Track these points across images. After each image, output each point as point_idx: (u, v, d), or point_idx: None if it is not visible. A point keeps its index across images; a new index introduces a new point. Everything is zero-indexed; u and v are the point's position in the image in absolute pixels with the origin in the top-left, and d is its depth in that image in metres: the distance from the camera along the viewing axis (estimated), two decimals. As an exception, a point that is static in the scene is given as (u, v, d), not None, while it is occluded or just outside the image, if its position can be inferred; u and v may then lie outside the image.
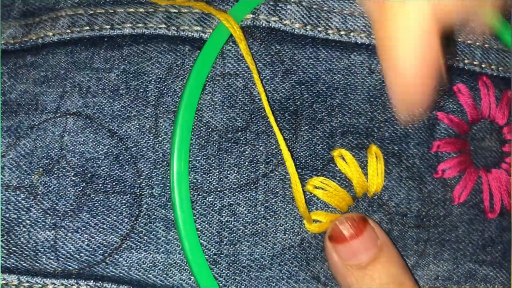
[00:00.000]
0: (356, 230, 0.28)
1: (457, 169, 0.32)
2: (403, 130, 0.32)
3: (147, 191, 0.29)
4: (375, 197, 0.31)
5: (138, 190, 0.29)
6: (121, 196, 0.28)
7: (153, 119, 0.29)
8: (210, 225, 0.29)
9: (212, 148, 0.29)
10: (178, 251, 0.29)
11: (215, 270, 0.29)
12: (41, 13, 0.31)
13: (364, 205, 0.31)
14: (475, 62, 0.33)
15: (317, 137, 0.31)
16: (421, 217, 0.32)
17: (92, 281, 0.28)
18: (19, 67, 0.29)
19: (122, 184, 0.28)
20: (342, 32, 0.31)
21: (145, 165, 0.29)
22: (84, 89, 0.29)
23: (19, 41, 0.30)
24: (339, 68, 0.31)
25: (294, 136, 0.30)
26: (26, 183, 0.28)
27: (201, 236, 0.29)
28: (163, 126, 0.29)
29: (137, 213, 0.28)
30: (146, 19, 0.30)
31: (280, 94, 0.30)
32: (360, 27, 0.31)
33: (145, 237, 0.28)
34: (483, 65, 0.33)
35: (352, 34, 0.31)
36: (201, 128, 0.29)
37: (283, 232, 0.30)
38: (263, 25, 0.30)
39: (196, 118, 0.29)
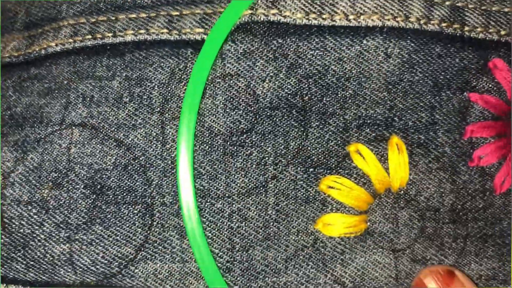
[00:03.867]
0: (442, 285, 0.26)
1: (496, 154, 0.29)
2: (429, 117, 0.29)
3: (159, 200, 0.29)
4: (401, 193, 0.29)
5: (149, 200, 0.29)
6: (133, 206, 0.29)
7: (160, 126, 0.29)
8: (221, 232, 0.28)
9: (217, 153, 0.29)
10: (193, 259, 0.29)
11: (229, 278, 0.28)
12: (44, 23, 0.31)
13: (389, 201, 0.29)
14: None
15: (330, 133, 0.29)
16: (456, 211, 0.29)
17: None
18: (24, 80, 0.30)
19: (133, 194, 0.29)
20: (351, 17, 0.28)
21: (154, 174, 0.29)
22: (88, 98, 0.29)
23: (23, 53, 0.30)
24: (350, 56, 0.29)
25: (304, 134, 0.29)
26: (37, 197, 0.28)
27: (212, 244, 0.28)
28: (170, 133, 0.29)
29: (150, 222, 0.29)
30: (148, 25, 0.30)
31: (286, 90, 0.29)
32: (371, 8, 0.29)
33: (160, 247, 0.28)
34: (525, 34, 0.29)
35: (362, 17, 0.28)
36: (204, 134, 0.29)
37: (295, 234, 0.28)
38: (262, 19, 0.28)
39: (198, 123, 0.29)
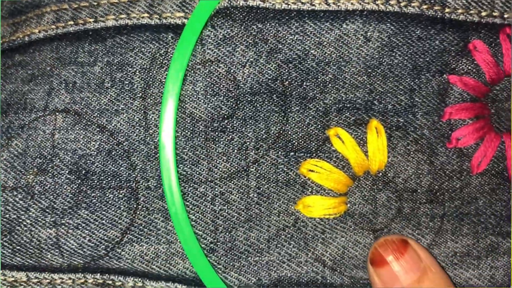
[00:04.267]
0: (397, 253, 0.27)
1: (474, 136, 0.30)
2: (408, 100, 0.29)
3: (143, 184, 0.29)
4: (379, 175, 0.30)
5: (134, 184, 0.29)
6: (118, 191, 0.29)
7: (142, 111, 0.29)
8: (204, 215, 0.29)
9: (198, 139, 0.29)
10: (179, 240, 0.29)
11: (213, 258, 0.29)
12: (28, 10, 0.31)
13: (367, 184, 0.30)
14: (494, 13, 0.29)
15: (310, 117, 0.29)
16: (433, 192, 0.29)
17: (98, 274, 0.29)
18: (8, 67, 0.30)
19: (118, 179, 0.29)
20: (330, 1, 0.28)
21: (138, 159, 0.29)
22: (70, 84, 0.29)
23: (7, 40, 0.31)
24: (330, 40, 0.29)
25: (284, 118, 0.29)
26: (22, 183, 0.29)
27: (196, 226, 0.29)
28: (153, 118, 0.29)
29: (135, 206, 0.29)
30: (129, 9, 0.30)
31: (266, 75, 0.29)
32: (351, -9, 0.28)
33: (145, 229, 0.29)
34: (506, 15, 0.29)
35: (341, 1, 0.28)
36: (186, 120, 0.29)
37: (277, 214, 0.29)
38: (241, 4, 0.28)
39: (179, 110, 0.29)
